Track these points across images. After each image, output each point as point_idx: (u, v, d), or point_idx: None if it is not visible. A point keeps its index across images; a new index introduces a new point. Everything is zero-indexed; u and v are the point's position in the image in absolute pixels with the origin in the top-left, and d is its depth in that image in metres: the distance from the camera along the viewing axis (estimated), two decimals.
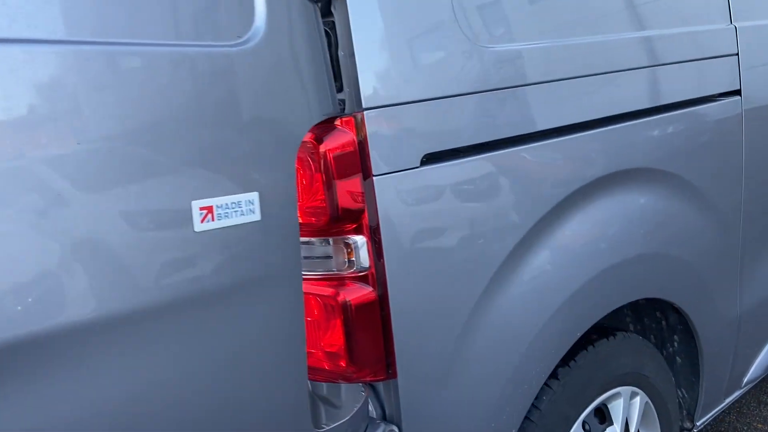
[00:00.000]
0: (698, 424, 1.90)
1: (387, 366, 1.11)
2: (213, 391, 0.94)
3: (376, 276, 1.08)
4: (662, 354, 1.84)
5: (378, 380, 1.12)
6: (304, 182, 1.03)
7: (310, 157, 1.02)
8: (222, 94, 0.92)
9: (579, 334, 1.36)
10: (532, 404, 1.39)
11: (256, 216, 0.92)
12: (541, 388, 1.41)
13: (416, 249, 1.11)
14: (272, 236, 0.96)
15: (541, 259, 1.27)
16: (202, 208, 0.88)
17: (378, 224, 1.06)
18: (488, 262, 1.20)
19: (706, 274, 1.66)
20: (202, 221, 0.88)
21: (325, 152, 1.02)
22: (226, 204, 0.90)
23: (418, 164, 1.10)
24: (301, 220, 1.02)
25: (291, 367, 1.00)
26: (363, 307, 1.06)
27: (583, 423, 1.54)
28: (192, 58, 0.90)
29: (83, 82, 0.82)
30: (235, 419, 0.96)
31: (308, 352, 1.06)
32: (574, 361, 1.45)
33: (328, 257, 1.07)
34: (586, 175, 1.33)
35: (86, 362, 0.82)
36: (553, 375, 1.42)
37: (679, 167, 1.54)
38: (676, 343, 1.79)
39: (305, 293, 1.04)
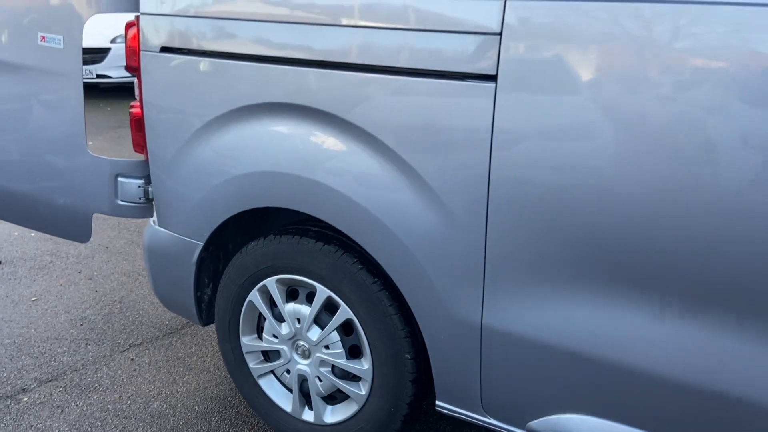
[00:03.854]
0: (438, 404, 1.79)
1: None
2: None
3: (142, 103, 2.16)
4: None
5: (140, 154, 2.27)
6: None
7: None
8: None
9: (238, 210, 2.03)
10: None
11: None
12: (256, 240, 2.10)
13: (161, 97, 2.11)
14: None
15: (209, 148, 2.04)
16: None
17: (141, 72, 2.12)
18: (185, 129, 2.06)
19: (404, 235, 1.66)
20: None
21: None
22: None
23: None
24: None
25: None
26: (135, 117, 2.20)
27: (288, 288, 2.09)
28: None
29: None
30: None
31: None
32: (273, 237, 2.04)
33: None
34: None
35: None
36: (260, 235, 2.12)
37: (384, 132, 1.61)
38: None
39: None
